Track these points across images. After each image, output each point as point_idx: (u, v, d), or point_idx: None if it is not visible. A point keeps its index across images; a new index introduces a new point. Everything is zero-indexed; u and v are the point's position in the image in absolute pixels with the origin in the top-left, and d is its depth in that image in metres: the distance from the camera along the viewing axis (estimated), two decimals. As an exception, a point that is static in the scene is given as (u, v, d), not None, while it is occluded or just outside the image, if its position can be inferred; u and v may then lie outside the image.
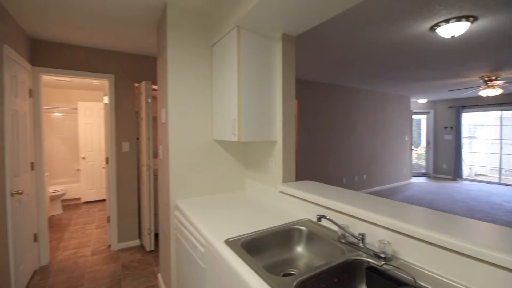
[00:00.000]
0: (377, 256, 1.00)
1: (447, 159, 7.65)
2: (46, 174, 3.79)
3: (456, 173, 7.38)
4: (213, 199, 1.87)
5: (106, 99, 3.02)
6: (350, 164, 5.66)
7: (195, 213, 1.56)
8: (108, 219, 3.05)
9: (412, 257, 0.97)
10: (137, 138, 3.22)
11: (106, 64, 2.95)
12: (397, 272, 0.91)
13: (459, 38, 2.69)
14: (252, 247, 1.22)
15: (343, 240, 1.17)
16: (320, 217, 1.17)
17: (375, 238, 1.10)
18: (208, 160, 2.01)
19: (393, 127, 6.58)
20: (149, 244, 2.91)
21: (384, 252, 0.99)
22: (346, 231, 1.14)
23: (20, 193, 2.06)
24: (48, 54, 2.67)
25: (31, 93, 2.56)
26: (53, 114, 5.08)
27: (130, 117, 3.09)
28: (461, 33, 2.50)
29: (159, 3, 1.89)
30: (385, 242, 0.99)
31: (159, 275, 2.36)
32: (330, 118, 5.28)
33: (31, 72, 2.57)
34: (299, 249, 1.34)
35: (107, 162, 3.03)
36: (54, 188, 4.24)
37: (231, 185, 2.11)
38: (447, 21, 2.25)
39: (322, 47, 2.99)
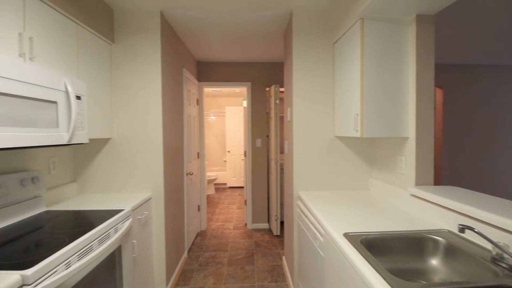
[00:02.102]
0: (556, 291, 0.74)
1: None
2: (206, 162, 5.00)
3: None
4: (333, 194, 1.90)
5: (244, 103, 3.64)
6: (536, 172, 4.01)
7: (316, 205, 1.65)
8: (245, 202, 3.67)
9: None
10: (267, 136, 3.67)
11: (244, 74, 3.55)
12: None
13: None
14: (373, 246, 1.18)
15: (500, 263, 0.93)
16: (464, 228, 0.98)
17: (556, 269, 0.81)
18: (329, 156, 2.05)
19: None
20: (275, 229, 3.28)
21: None
22: (505, 252, 0.90)
23: (191, 174, 2.86)
24: (206, 71, 3.52)
25: (197, 101, 3.46)
26: (209, 117, 6.58)
27: (262, 117, 3.58)
28: None
29: (286, 12, 2.10)
30: None
31: (284, 258, 2.63)
32: (497, 111, 3.94)
33: (198, 86, 3.48)
34: (434, 261, 1.16)
35: (245, 155, 3.64)
36: (209, 174, 5.51)
37: (352, 182, 2.06)
38: None
39: (485, 16, 2.31)
